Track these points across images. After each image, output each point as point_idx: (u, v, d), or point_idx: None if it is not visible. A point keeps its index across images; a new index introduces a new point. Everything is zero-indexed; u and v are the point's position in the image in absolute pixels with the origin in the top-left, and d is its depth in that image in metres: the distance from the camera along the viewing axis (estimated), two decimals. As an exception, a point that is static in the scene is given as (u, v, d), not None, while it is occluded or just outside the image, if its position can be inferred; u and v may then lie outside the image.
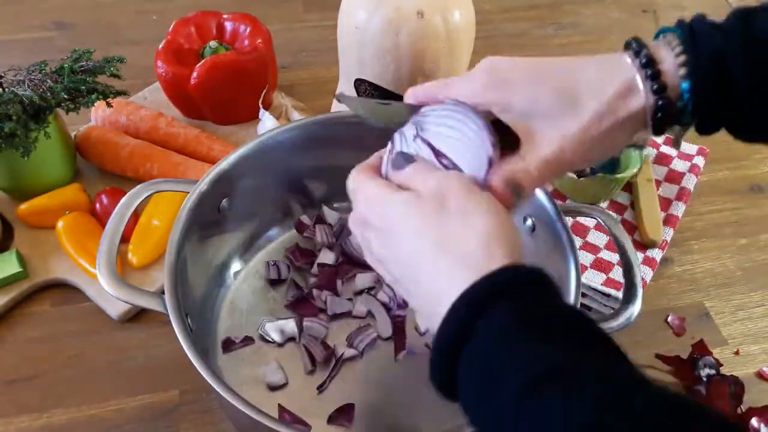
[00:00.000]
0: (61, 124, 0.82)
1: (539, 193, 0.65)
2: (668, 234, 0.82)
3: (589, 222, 0.83)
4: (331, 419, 0.65)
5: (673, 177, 0.89)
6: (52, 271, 0.76)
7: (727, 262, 0.84)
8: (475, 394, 0.37)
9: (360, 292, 0.74)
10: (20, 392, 0.68)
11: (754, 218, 0.89)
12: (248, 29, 0.92)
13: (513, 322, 0.37)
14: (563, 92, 0.45)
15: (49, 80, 0.77)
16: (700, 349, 0.73)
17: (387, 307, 0.73)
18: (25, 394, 0.68)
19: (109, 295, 0.60)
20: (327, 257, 0.76)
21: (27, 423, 0.66)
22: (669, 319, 0.77)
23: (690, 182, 0.88)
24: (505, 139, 0.47)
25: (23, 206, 0.79)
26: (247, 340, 0.70)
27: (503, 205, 0.44)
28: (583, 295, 0.76)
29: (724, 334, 0.76)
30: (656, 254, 0.80)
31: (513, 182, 0.45)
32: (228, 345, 0.70)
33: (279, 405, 0.65)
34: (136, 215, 0.72)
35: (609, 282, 0.76)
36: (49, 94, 0.76)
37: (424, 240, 0.42)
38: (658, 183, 0.88)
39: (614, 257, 0.79)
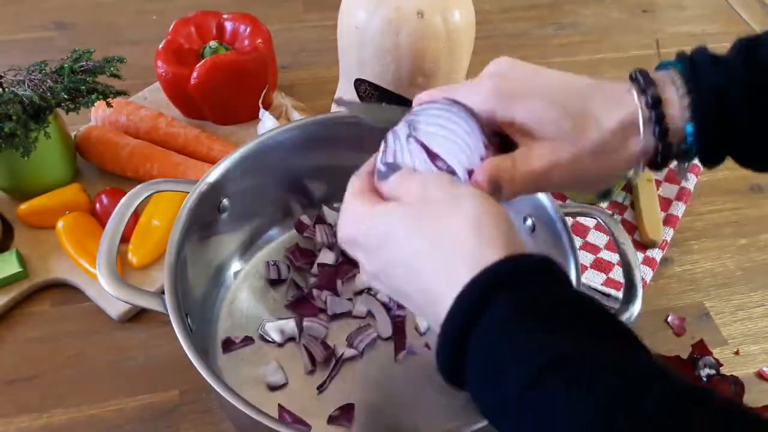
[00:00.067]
0: (61, 124, 0.82)
1: (539, 193, 0.65)
2: (668, 234, 0.82)
3: (589, 222, 0.83)
4: (331, 419, 0.65)
5: (673, 177, 0.89)
6: (52, 271, 0.76)
7: (727, 262, 0.84)
8: (481, 386, 0.37)
9: (360, 292, 0.74)
10: (20, 392, 0.68)
11: (754, 218, 0.89)
12: (248, 29, 0.92)
13: (514, 314, 0.36)
14: (567, 118, 0.45)
15: (49, 80, 0.77)
16: (700, 349, 0.73)
17: (387, 307, 0.73)
18: (25, 394, 0.68)
19: (109, 295, 0.60)
20: (327, 257, 0.76)
21: (27, 423, 0.66)
22: (669, 319, 0.77)
23: (690, 182, 0.88)
24: (504, 141, 0.47)
25: (23, 206, 0.79)
26: (247, 340, 0.70)
27: None
28: (583, 295, 0.75)
29: (724, 334, 0.76)
30: (656, 254, 0.80)
31: (495, 180, 0.45)
32: (228, 345, 0.70)
33: (279, 405, 0.65)
34: (136, 215, 0.72)
35: (609, 282, 0.76)
36: (49, 94, 0.76)
37: (415, 241, 0.41)
38: (658, 183, 0.88)
39: (614, 257, 0.79)
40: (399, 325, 0.72)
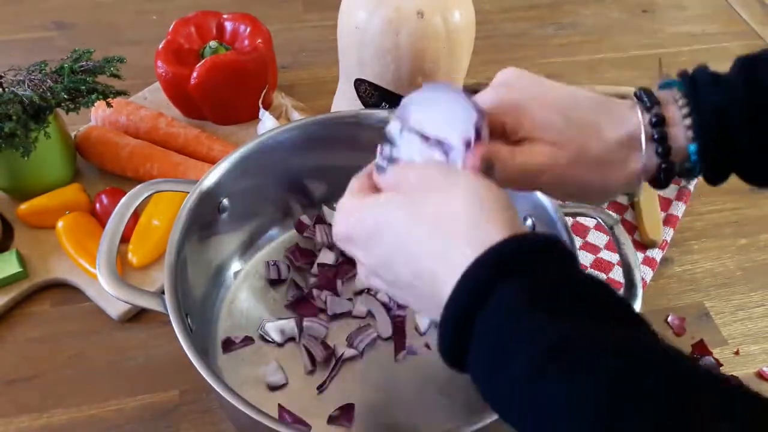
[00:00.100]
0: (61, 124, 0.82)
1: (539, 193, 0.65)
2: (668, 234, 0.82)
3: (589, 222, 0.83)
4: (331, 419, 0.65)
5: (673, 177, 0.89)
6: (52, 271, 0.76)
7: (727, 262, 0.84)
8: (484, 369, 0.37)
9: (360, 292, 0.74)
10: (20, 392, 0.68)
11: (754, 218, 0.89)
12: (248, 29, 0.92)
13: (520, 298, 0.35)
14: (572, 127, 0.46)
15: (49, 80, 0.77)
16: (700, 349, 0.73)
17: (387, 307, 0.73)
18: (25, 394, 0.68)
19: (109, 295, 0.60)
20: (327, 257, 0.76)
21: (27, 423, 0.66)
22: (669, 319, 0.77)
23: (690, 182, 0.88)
24: None
25: (23, 206, 0.79)
26: (247, 340, 0.70)
27: None
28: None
29: (724, 334, 0.76)
30: (656, 254, 0.80)
31: (488, 159, 0.44)
32: (228, 345, 0.70)
33: (279, 405, 0.65)
34: (136, 215, 0.72)
35: (609, 282, 0.76)
36: (49, 94, 0.76)
37: (412, 226, 0.41)
38: (658, 183, 0.88)
39: (614, 257, 0.79)
40: (399, 325, 0.72)
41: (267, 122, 0.88)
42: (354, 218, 0.44)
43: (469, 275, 0.37)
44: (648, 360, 0.32)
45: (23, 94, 0.74)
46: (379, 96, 0.82)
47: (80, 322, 0.74)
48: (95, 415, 0.67)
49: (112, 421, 0.66)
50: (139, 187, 0.67)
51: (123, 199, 0.66)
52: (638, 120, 0.45)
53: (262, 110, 0.90)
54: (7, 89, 0.75)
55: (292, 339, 0.70)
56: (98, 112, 0.90)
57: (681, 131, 0.45)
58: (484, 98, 0.48)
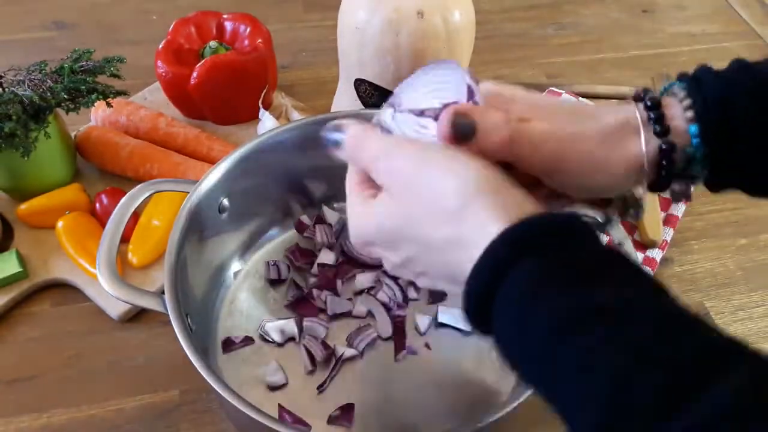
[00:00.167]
0: (61, 124, 0.82)
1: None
2: (668, 234, 0.82)
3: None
4: (331, 419, 0.65)
5: (673, 177, 0.89)
6: (52, 271, 0.76)
7: (727, 262, 0.84)
8: (508, 330, 0.36)
9: (360, 292, 0.74)
10: (20, 392, 0.68)
11: (754, 218, 0.89)
12: (248, 29, 0.92)
13: (544, 272, 0.35)
14: (565, 110, 0.46)
15: (49, 80, 0.77)
16: (700, 349, 0.73)
17: (387, 307, 0.73)
18: (25, 394, 0.68)
19: (109, 295, 0.60)
20: (327, 257, 0.76)
21: (27, 423, 0.66)
22: (669, 319, 0.77)
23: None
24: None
25: (23, 206, 0.79)
26: (247, 340, 0.70)
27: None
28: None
29: (724, 334, 0.76)
30: (656, 254, 0.80)
31: (469, 123, 0.41)
32: (228, 345, 0.70)
33: (279, 405, 0.65)
34: (136, 215, 0.72)
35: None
36: (49, 94, 0.76)
37: (428, 219, 0.40)
38: (658, 183, 0.88)
39: (614, 257, 0.79)
40: (399, 325, 0.72)
41: (267, 122, 0.88)
42: (371, 226, 0.44)
43: (490, 252, 0.36)
44: (677, 324, 0.32)
45: (23, 94, 0.74)
46: (379, 96, 0.82)
47: (80, 322, 0.74)
48: (95, 415, 0.67)
49: (112, 421, 0.66)
50: (139, 187, 0.67)
51: (123, 199, 0.66)
52: (633, 107, 0.45)
53: (262, 110, 0.90)
54: (7, 89, 0.75)
55: (292, 339, 0.70)
56: (98, 112, 0.90)
57: (679, 112, 0.44)
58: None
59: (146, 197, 0.66)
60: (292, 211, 0.80)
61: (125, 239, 0.77)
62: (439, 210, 0.39)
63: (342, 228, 0.79)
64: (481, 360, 0.69)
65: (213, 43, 0.90)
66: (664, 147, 0.44)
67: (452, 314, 0.72)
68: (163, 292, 0.59)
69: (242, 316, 0.72)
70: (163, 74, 0.89)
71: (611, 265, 0.36)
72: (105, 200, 0.80)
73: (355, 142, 0.44)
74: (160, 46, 0.90)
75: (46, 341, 0.72)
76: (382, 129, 0.47)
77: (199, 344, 0.57)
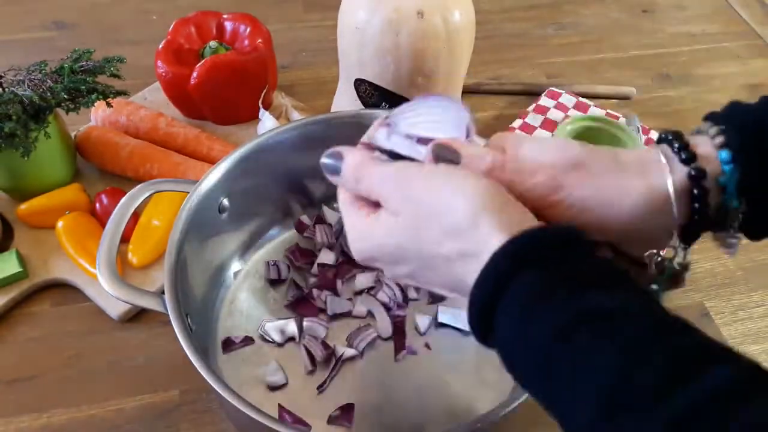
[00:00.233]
0: (61, 124, 0.82)
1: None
2: (668, 234, 0.82)
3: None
4: (331, 419, 0.65)
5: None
6: (52, 271, 0.76)
7: (727, 262, 0.84)
8: (509, 338, 0.37)
9: (360, 292, 0.74)
10: (20, 392, 0.68)
11: (754, 218, 0.89)
12: (248, 29, 0.92)
13: (543, 283, 0.36)
14: (572, 149, 0.44)
15: (49, 80, 0.77)
16: (700, 349, 0.73)
17: (387, 307, 0.73)
18: (25, 394, 0.68)
19: (109, 295, 0.60)
20: (327, 257, 0.76)
21: (27, 423, 0.66)
22: (669, 319, 0.77)
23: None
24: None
25: (23, 206, 0.79)
26: (247, 340, 0.70)
27: None
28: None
29: (724, 334, 0.76)
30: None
31: (453, 152, 0.42)
32: (228, 345, 0.70)
33: (279, 405, 0.65)
34: (136, 215, 0.72)
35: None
36: (49, 94, 0.76)
37: (429, 236, 0.40)
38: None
39: (614, 257, 0.79)
40: (399, 325, 0.72)
41: (267, 122, 0.88)
42: (375, 244, 0.44)
43: (492, 264, 0.37)
44: (669, 333, 0.33)
45: (23, 94, 0.74)
46: (379, 96, 0.82)
47: (80, 322, 0.74)
48: (95, 415, 0.67)
49: (112, 421, 0.66)
50: (139, 187, 0.67)
51: (123, 199, 0.66)
52: (656, 149, 0.42)
53: (262, 110, 0.90)
54: (7, 89, 0.75)
55: (292, 339, 0.70)
56: (98, 112, 0.90)
57: (707, 141, 0.41)
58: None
59: (146, 197, 0.66)
60: (292, 211, 0.80)
61: (125, 239, 0.77)
62: (449, 227, 0.40)
63: (342, 228, 0.79)
64: (481, 360, 0.69)
65: (213, 43, 0.90)
66: (693, 173, 0.40)
67: (452, 314, 0.72)
68: (163, 292, 0.59)
69: (242, 316, 0.72)
70: (163, 74, 0.89)
71: (611, 276, 0.37)
72: (105, 200, 0.80)
73: (353, 169, 0.45)
74: (160, 46, 0.90)
75: (46, 341, 0.72)
76: (375, 148, 0.47)
77: (199, 344, 0.57)
